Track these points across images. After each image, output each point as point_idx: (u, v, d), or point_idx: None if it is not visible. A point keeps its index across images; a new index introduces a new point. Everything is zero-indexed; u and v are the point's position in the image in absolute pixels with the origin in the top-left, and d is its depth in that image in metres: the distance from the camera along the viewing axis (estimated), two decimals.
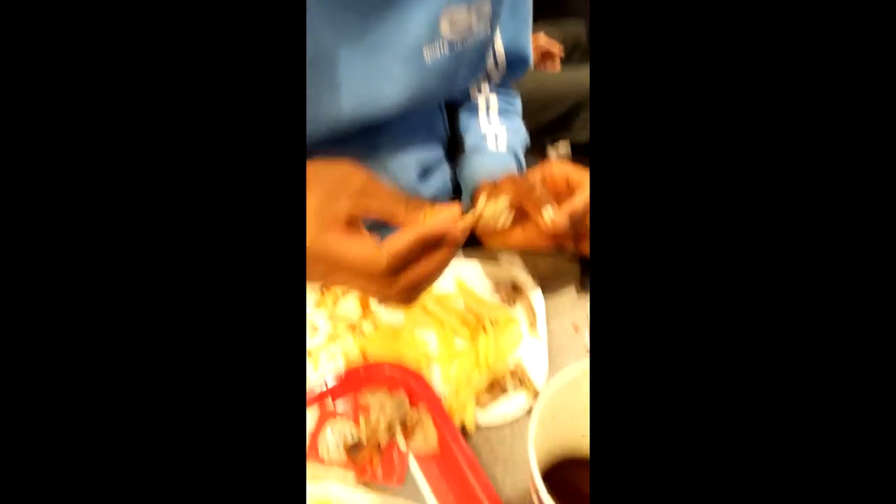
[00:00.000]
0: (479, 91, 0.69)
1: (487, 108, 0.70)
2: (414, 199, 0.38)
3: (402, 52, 0.51)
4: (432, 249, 0.37)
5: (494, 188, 0.51)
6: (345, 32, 0.48)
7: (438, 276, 0.38)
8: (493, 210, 0.45)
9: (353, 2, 0.47)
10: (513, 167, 0.66)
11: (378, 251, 0.35)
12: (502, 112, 0.70)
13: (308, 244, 0.36)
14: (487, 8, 0.54)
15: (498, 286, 0.54)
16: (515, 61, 0.67)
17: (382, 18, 0.49)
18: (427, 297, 0.52)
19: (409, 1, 0.49)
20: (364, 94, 0.52)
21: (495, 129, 0.69)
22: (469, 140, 0.68)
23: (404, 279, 0.36)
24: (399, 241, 0.35)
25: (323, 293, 0.54)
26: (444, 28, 0.52)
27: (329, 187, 0.37)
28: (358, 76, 0.51)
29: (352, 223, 0.37)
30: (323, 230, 0.36)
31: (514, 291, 0.53)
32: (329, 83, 0.50)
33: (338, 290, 0.54)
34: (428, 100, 0.57)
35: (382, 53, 0.51)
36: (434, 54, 0.53)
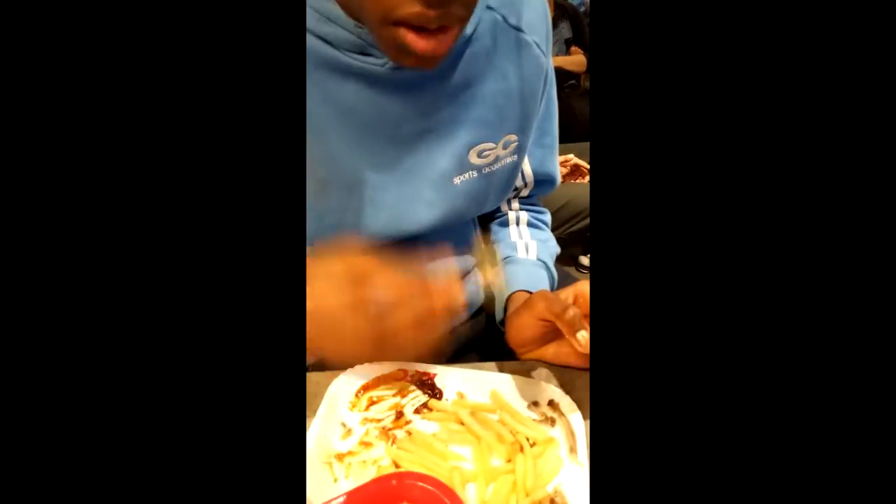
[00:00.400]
0: (510, 206, 0.73)
1: (518, 220, 0.73)
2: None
3: (434, 179, 0.56)
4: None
5: (527, 305, 0.54)
6: (380, 161, 0.53)
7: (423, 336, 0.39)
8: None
9: (390, 136, 0.52)
10: (544, 278, 0.68)
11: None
12: (532, 224, 0.74)
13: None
14: (514, 140, 0.59)
15: (535, 403, 0.53)
16: (543, 181, 0.72)
17: (415, 150, 0.54)
18: (462, 408, 0.51)
19: (440, 135, 0.55)
20: (398, 215, 0.57)
21: (525, 241, 0.72)
22: (501, 250, 0.71)
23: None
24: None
25: (357, 395, 0.54)
26: (473, 158, 0.58)
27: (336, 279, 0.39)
28: (392, 198, 0.55)
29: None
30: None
31: (551, 409, 0.52)
32: (364, 203, 0.55)
33: (373, 392, 0.54)
34: (459, 218, 0.61)
35: (415, 180, 0.55)
36: (464, 179, 0.58)
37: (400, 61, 0.44)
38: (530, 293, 0.63)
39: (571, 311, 0.49)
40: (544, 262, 0.70)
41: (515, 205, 0.74)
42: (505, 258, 0.70)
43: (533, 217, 0.74)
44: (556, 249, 0.74)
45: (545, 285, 0.68)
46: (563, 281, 0.76)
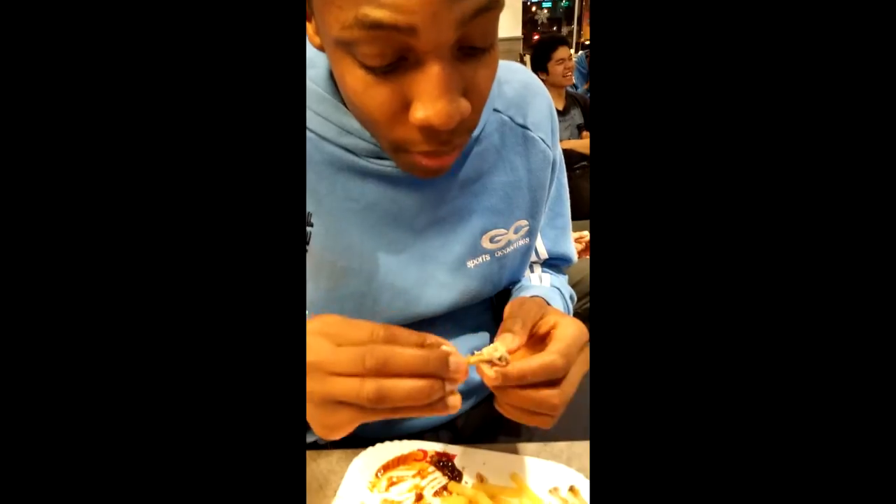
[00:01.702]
0: (532, 271, 0.74)
1: (540, 279, 0.73)
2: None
3: (448, 263, 0.59)
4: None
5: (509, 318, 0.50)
6: (397, 249, 0.57)
7: (411, 402, 0.36)
8: (492, 348, 0.44)
9: (407, 226, 0.56)
10: (556, 296, 0.66)
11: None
12: (552, 280, 0.73)
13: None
14: (525, 225, 0.62)
15: (556, 487, 0.52)
16: (558, 259, 0.74)
17: (430, 237, 0.57)
18: (482, 492, 0.51)
19: (453, 223, 0.58)
20: (414, 298, 0.59)
21: (539, 275, 0.72)
22: (514, 290, 0.70)
23: (378, 385, 0.35)
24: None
25: (377, 475, 0.54)
26: (486, 243, 0.61)
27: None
28: (408, 283, 0.58)
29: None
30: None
31: (572, 495, 0.52)
32: (382, 288, 0.57)
33: (392, 473, 0.54)
34: (473, 299, 0.63)
35: (430, 265, 0.58)
36: (477, 263, 0.61)
37: (410, 174, 0.49)
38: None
39: (519, 323, 0.47)
40: (557, 288, 0.69)
41: (537, 269, 0.74)
42: (516, 288, 0.69)
43: (554, 277, 0.74)
44: (573, 292, 0.73)
45: (558, 303, 0.65)
46: None
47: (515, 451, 0.57)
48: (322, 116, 0.52)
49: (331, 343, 0.37)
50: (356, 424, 0.38)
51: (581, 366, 0.46)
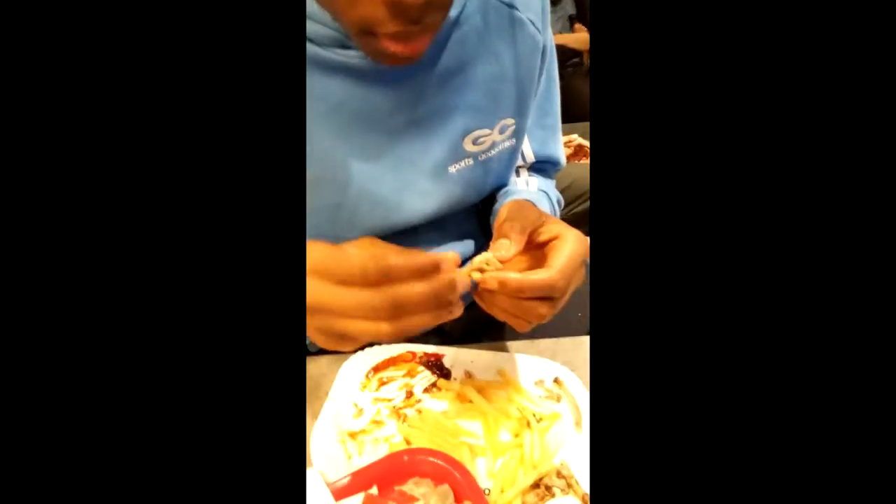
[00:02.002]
0: (518, 175, 0.70)
1: (527, 183, 0.69)
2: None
3: (428, 168, 0.55)
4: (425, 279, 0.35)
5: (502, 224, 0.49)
6: (372, 154, 0.52)
7: (428, 311, 0.35)
8: (482, 259, 0.44)
9: (381, 128, 0.51)
10: (543, 199, 0.64)
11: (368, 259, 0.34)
12: (538, 177, 0.70)
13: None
14: (511, 123, 0.57)
15: (541, 380, 0.54)
16: (546, 163, 0.69)
17: (407, 140, 0.53)
18: (469, 387, 0.53)
19: (431, 124, 0.53)
20: (393, 207, 0.55)
21: (525, 179, 0.68)
22: (499, 195, 0.66)
23: (391, 295, 0.34)
24: (392, 257, 0.34)
25: (368, 376, 0.55)
26: (468, 146, 0.56)
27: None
28: (386, 191, 0.54)
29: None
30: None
31: (557, 386, 0.54)
32: (359, 198, 0.53)
33: (383, 374, 0.55)
34: (456, 207, 0.60)
35: (408, 171, 0.54)
36: (459, 167, 0.56)
37: (379, 62, 0.44)
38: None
39: (514, 239, 0.45)
40: (545, 192, 0.66)
41: (524, 173, 0.70)
42: (501, 192, 0.65)
43: (542, 181, 0.70)
44: (560, 196, 0.71)
45: (545, 207, 0.62)
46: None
47: (503, 350, 0.58)
48: None
49: (330, 283, 0.34)
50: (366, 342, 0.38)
51: (576, 281, 0.46)
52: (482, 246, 0.71)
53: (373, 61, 0.46)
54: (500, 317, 0.47)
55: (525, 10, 0.54)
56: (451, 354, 0.56)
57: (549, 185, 0.71)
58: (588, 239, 0.48)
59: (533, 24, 0.55)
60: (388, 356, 0.56)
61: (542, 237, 0.47)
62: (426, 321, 0.35)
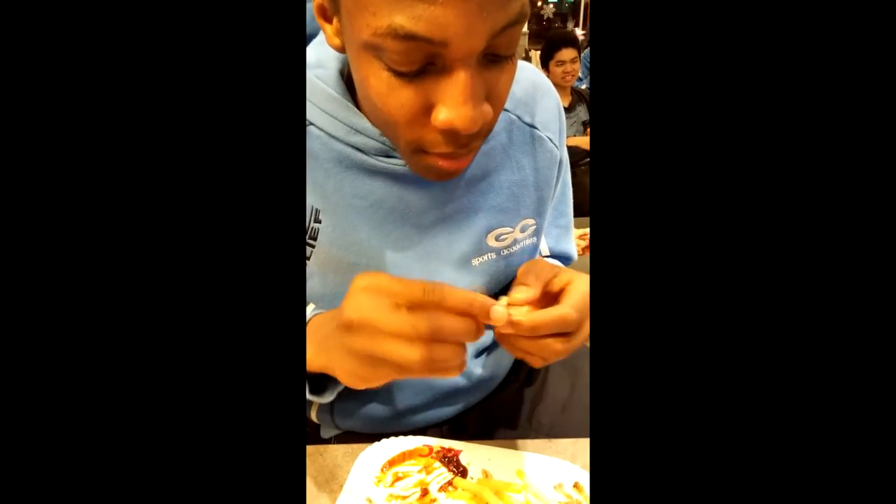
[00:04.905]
0: None
1: (540, 253, 0.73)
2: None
3: (454, 261, 0.60)
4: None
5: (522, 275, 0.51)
6: (404, 245, 0.57)
7: (457, 342, 0.38)
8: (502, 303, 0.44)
9: (413, 223, 0.56)
10: (554, 262, 0.67)
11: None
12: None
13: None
14: (532, 224, 0.63)
15: (560, 483, 0.53)
16: (559, 258, 0.74)
17: (436, 235, 0.58)
18: (487, 488, 0.51)
19: (458, 221, 0.59)
20: None
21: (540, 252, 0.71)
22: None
23: (433, 320, 0.36)
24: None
25: (383, 470, 0.54)
26: (491, 241, 0.61)
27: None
28: (413, 276, 0.57)
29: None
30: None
31: (576, 491, 0.52)
32: None
33: (398, 468, 0.54)
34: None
35: (435, 262, 0.59)
36: (482, 261, 0.61)
37: (425, 177, 0.50)
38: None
39: (527, 292, 0.46)
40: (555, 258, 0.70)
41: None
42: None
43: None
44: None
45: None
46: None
47: (520, 448, 0.57)
48: (331, 115, 0.52)
49: (386, 302, 0.37)
50: (389, 380, 0.40)
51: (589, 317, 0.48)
52: None
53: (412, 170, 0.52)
54: (517, 354, 0.48)
55: (544, 129, 0.62)
56: (467, 450, 0.55)
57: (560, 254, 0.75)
58: None
59: (551, 140, 0.63)
60: (403, 449, 0.56)
61: (556, 286, 0.50)
62: (451, 354, 0.37)
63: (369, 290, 0.38)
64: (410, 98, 0.40)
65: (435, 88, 0.39)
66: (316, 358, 0.44)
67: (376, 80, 0.40)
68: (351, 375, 0.40)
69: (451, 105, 0.39)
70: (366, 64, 0.40)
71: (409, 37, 0.35)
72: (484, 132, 0.45)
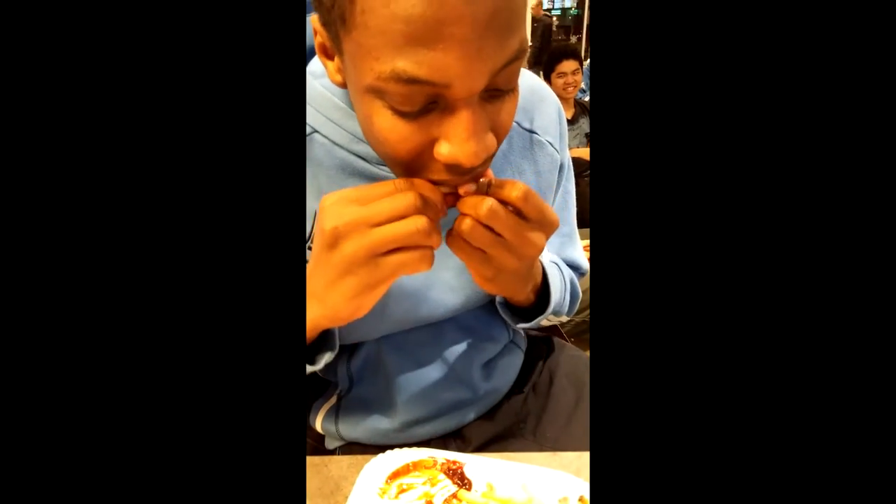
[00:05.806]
0: None
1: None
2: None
3: (454, 266, 0.60)
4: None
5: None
6: None
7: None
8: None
9: None
10: (555, 269, 0.67)
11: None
12: (552, 257, 0.73)
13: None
14: None
15: (566, 497, 0.52)
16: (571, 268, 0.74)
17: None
18: (492, 501, 0.51)
19: None
20: (420, 300, 0.60)
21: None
22: None
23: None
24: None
25: (387, 482, 0.54)
26: None
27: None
28: (414, 285, 0.59)
29: None
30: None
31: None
32: (388, 292, 0.56)
33: (402, 480, 0.54)
34: (480, 302, 0.64)
35: (436, 268, 0.58)
36: None
37: None
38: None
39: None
40: (556, 264, 0.69)
41: None
42: None
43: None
44: (574, 276, 0.73)
45: (554, 273, 0.65)
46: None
47: (525, 461, 0.57)
48: (336, 123, 0.53)
49: (360, 204, 0.41)
50: (392, 280, 0.43)
51: (536, 273, 0.56)
52: (506, 345, 0.73)
53: None
54: (465, 251, 0.48)
55: (544, 133, 0.63)
56: (472, 463, 0.55)
57: (560, 261, 0.73)
58: None
59: (551, 144, 0.63)
60: (408, 461, 0.55)
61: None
62: (432, 227, 0.42)
63: (341, 199, 0.41)
64: (413, 135, 0.41)
65: (438, 125, 0.40)
66: (309, 304, 0.46)
67: (380, 119, 0.41)
68: (351, 294, 0.42)
69: (455, 142, 0.40)
70: (368, 104, 0.41)
71: (412, 80, 0.36)
72: (488, 161, 0.45)
